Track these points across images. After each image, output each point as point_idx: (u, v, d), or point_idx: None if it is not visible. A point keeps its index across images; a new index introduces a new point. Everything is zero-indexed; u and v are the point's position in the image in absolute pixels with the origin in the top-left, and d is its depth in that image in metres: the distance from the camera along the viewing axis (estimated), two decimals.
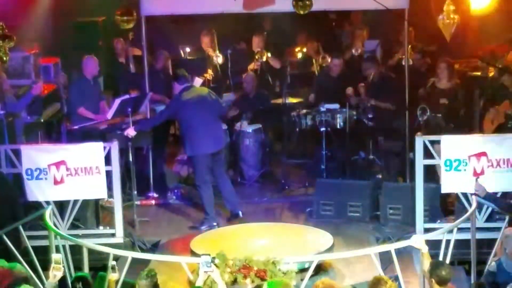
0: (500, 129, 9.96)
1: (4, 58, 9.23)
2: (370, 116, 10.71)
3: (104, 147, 8.92)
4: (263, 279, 7.16)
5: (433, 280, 6.17)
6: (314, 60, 12.32)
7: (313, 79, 11.95)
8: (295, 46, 12.55)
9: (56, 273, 6.23)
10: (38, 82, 10.47)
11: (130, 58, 11.92)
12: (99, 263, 7.62)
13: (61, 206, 8.96)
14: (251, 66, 12.00)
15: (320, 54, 12.20)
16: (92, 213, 9.29)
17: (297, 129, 10.99)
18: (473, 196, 8.09)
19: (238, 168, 11.21)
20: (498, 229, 8.08)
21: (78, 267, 7.43)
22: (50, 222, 7.82)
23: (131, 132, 9.56)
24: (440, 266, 6.22)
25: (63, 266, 6.37)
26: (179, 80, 9.57)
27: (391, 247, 7.13)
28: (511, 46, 11.79)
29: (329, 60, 11.74)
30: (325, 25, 13.08)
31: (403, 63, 10.62)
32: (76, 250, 7.56)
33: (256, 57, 11.96)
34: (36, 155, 8.90)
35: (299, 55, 12.21)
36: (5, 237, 7.58)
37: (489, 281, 7.07)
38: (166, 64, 11.95)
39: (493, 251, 7.66)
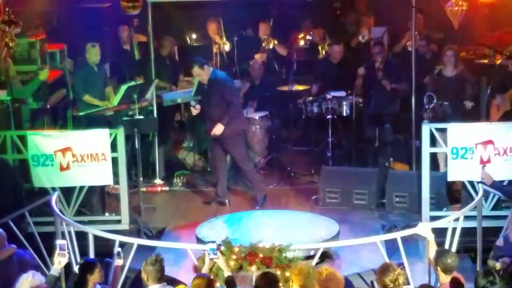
0: (507, 116, 9.92)
1: (11, 44, 9.23)
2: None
3: (110, 134, 8.92)
4: (268, 266, 7.17)
5: (439, 268, 6.16)
6: (320, 47, 12.27)
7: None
8: (300, 32, 12.49)
9: (61, 259, 6.24)
10: (44, 68, 10.46)
11: (135, 45, 11.89)
12: (105, 250, 7.63)
13: (67, 193, 8.98)
14: (258, 56, 11.96)
15: (326, 41, 12.15)
16: (98, 199, 9.30)
17: (303, 116, 10.98)
18: (480, 184, 8.07)
19: None
20: (504, 217, 8.05)
21: (83, 253, 7.44)
22: (56, 208, 7.84)
23: (219, 130, 9.46)
24: (446, 254, 6.21)
25: (68, 252, 6.37)
26: (206, 64, 9.61)
27: (397, 235, 7.13)
28: None
29: None
30: (330, 12, 13.04)
31: (409, 50, 10.59)
32: (82, 237, 7.57)
33: (263, 44, 11.91)
34: (42, 142, 8.90)
35: (301, 43, 12.13)
36: (11, 223, 7.60)
37: (497, 255, 7.14)
38: (172, 50, 11.93)
39: (505, 226, 7.67)
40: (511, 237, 7.16)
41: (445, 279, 6.13)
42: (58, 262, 6.26)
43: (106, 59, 11.07)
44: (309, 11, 11.90)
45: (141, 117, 10.07)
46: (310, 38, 12.18)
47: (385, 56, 10.99)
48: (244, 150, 9.88)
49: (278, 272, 6.97)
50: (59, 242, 6.36)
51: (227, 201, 9.71)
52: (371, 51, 11.04)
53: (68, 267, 6.75)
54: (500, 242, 7.25)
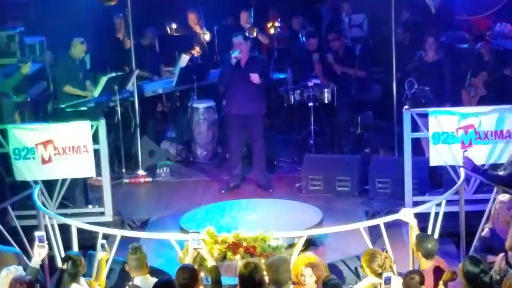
0: (483, 101, 9.95)
1: None
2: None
3: (92, 126, 8.89)
4: (252, 255, 7.18)
5: (420, 253, 6.19)
6: (300, 35, 12.26)
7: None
8: (268, 22, 12.43)
9: (40, 250, 6.22)
10: (27, 62, 10.30)
11: (126, 34, 11.83)
12: (89, 242, 7.61)
13: (49, 186, 8.94)
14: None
15: (306, 29, 12.14)
16: (81, 192, 9.27)
17: (285, 104, 10.98)
18: (461, 169, 8.11)
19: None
20: (486, 200, 8.10)
21: (67, 246, 7.42)
22: (38, 202, 7.80)
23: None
24: (426, 239, 6.24)
25: (48, 244, 6.35)
26: None
27: (380, 221, 7.15)
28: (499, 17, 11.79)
29: None
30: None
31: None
32: (65, 230, 7.54)
33: (247, 33, 11.85)
34: (24, 135, 8.86)
35: (272, 31, 12.06)
36: None
37: (484, 247, 7.12)
38: (152, 41, 11.88)
39: (484, 217, 7.68)
40: (497, 229, 7.16)
41: (427, 264, 6.16)
42: (38, 254, 6.23)
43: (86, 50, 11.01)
44: None
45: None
46: (279, 25, 12.09)
47: (342, 43, 11.04)
48: None
49: (263, 261, 6.97)
50: (37, 233, 6.33)
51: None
52: (328, 38, 11.09)
53: (51, 261, 6.72)
54: (487, 233, 7.25)
